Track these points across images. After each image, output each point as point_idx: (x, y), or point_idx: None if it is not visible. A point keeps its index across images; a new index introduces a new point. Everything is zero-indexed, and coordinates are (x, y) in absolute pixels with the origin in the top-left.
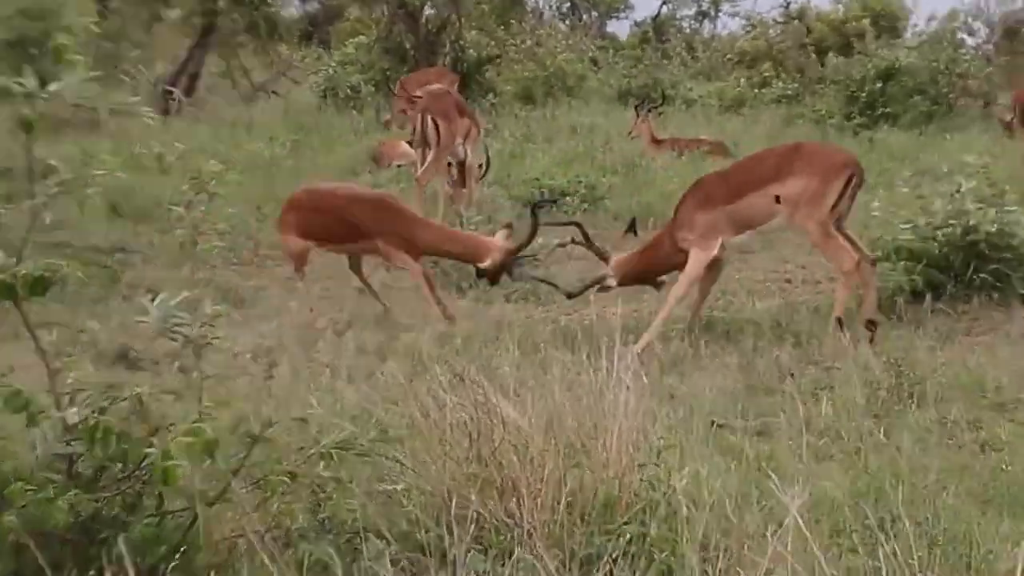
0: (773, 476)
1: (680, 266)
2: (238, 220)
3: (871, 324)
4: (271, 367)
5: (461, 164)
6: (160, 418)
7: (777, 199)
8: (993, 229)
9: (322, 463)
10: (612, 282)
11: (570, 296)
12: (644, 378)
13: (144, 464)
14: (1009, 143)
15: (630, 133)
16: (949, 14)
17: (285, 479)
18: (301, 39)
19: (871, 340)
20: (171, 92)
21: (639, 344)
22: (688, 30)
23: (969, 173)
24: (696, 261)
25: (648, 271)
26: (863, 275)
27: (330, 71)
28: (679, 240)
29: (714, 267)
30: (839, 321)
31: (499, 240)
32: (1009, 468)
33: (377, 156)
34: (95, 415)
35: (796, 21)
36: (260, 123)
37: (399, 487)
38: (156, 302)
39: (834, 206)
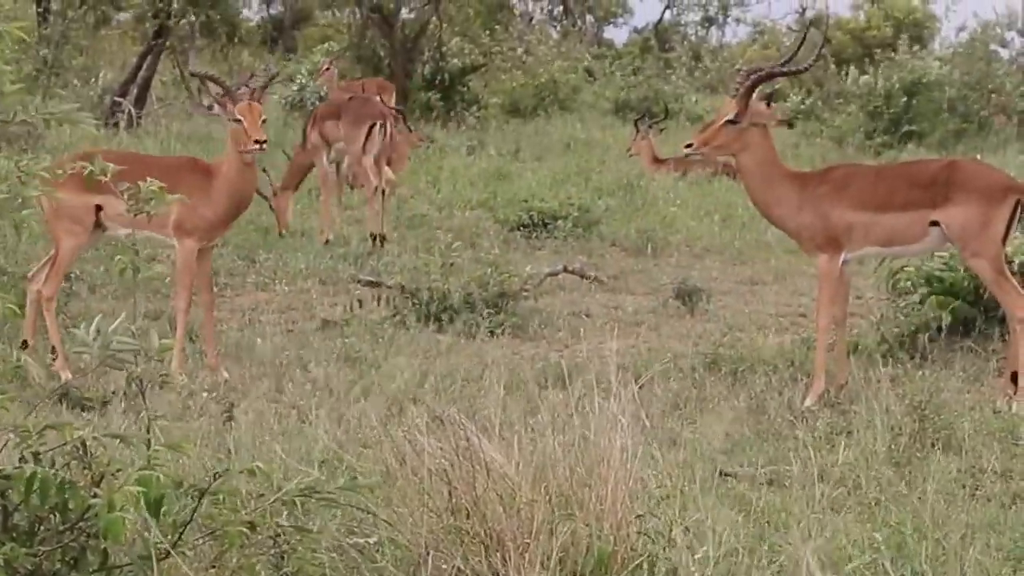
0: (784, 529)
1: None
2: None
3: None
4: (231, 408)
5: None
6: (105, 464)
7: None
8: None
9: (285, 512)
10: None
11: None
12: (643, 420)
13: (87, 515)
14: None
15: (629, 151)
16: (984, 25)
17: (244, 530)
18: (264, 45)
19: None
20: (119, 103)
21: (810, 398)
22: (694, 38)
23: None
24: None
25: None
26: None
27: (301, 81)
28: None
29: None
30: (1014, 378)
31: None
32: None
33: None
34: (29, 462)
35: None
36: (217, 137)
37: (371, 540)
38: (93, 327)
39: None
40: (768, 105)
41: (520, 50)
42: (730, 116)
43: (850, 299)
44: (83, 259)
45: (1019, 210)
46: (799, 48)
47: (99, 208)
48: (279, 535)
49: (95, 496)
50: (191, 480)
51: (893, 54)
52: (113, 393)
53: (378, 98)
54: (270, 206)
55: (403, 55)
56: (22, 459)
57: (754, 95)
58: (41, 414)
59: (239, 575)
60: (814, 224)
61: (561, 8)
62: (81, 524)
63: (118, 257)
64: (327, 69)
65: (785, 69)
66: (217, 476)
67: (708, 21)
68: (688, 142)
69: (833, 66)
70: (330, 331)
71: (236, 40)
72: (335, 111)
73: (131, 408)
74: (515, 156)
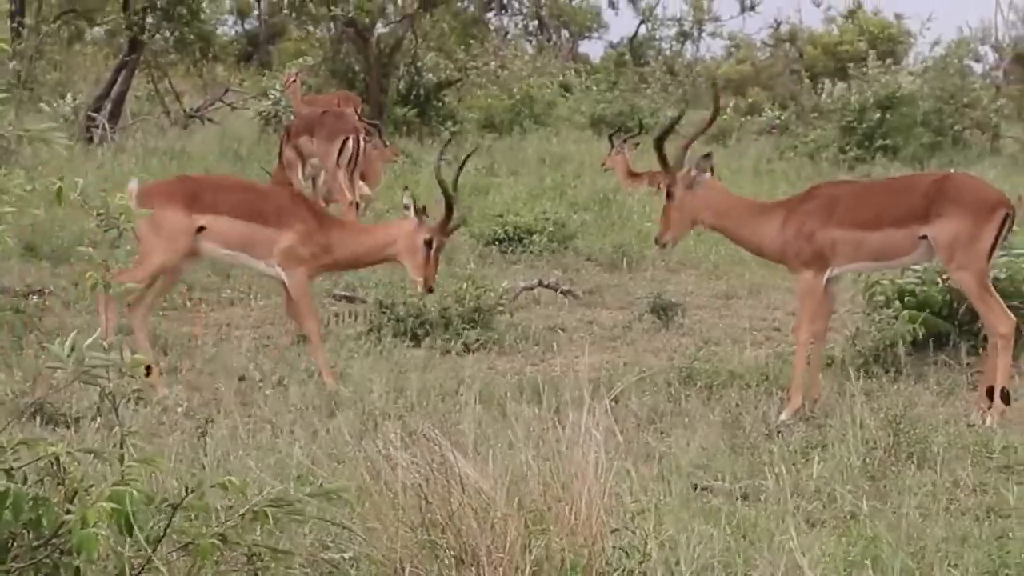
0: (759, 543)
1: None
2: None
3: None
4: (205, 424)
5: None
6: (79, 480)
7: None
8: (1002, 275)
9: (258, 525)
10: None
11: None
12: (618, 435)
13: (61, 531)
14: (1019, 180)
15: (603, 165)
16: (959, 41)
17: (217, 543)
18: (239, 60)
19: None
20: (94, 118)
21: (786, 412)
22: (668, 52)
23: None
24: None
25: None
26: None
27: (275, 95)
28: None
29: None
30: (1005, 394)
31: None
32: (1016, 536)
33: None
34: (2, 478)
35: (787, 44)
36: (193, 153)
37: (346, 555)
38: (67, 343)
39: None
40: (708, 159)
41: (495, 65)
42: (667, 199)
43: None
44: (56, 274)
45: (1007, 225)
46: (715, 115)
47: (201, 229)
48: (254, 553)
49: (68, 512)
50: (164, 495)
51: (866, 69)
52: (87, 411)
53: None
54: None
55: (378, 70)
56: None
57: (691, 163)
58: (14, 430)
59: None
60: (801, 245)
61: (536, 23)
62: (55, 540)
63: (89, 273)
64: (292, 81)
65: (697, 132)
66: (190, 490)
67: (683, 36)
68: (655, 238)
69: (807, 81)
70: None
71: (210, 55)
72: (309, 126)
73: (105, 424)
74: (490, 171)
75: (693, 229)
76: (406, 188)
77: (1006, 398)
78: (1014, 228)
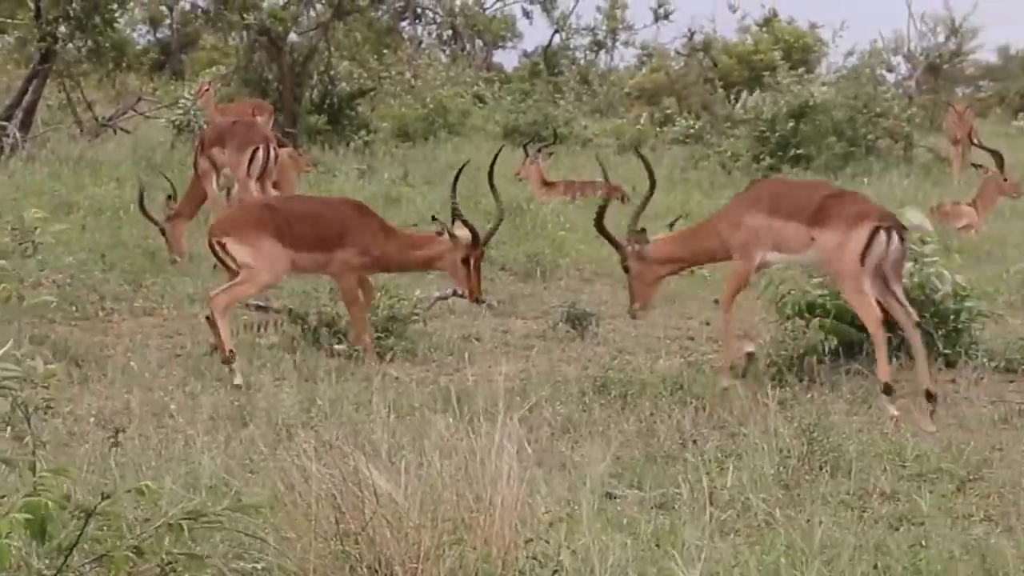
0: (673, 552)
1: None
2: (79, 270)
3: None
4: (117, 433)
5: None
6: None
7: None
8: (911, 282)
9: (172, 537)
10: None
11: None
12: (527, 446)
13: None
14: (932, 189)
15: (518, 175)
16: (872, 50)
17: (130, 555)
18: (152, 69)
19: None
20: (4, 127)
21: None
22: (583, 62)
23: None
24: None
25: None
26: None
27: (186, 103)
28: None
29: None
30: (888, 388)
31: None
32: (929, 544)
33: None
34: None
35: (700, 53)
36: (106, 162)
37: (259, 566)
38: None
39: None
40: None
41: (409, 74)
42: (626, 273)
43: (737, 322)
44: None
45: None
46: (651, 189)
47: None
48: (168, 562)
49: None
50: (77, 504)
51: (779, 79)
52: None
53: (257, 119)
54: (162, 232)
55: (291, 79)
56: None
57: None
58: None
59: None
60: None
61: (450, 32)
62: None
63: (2, 285)
64: (206, 89)
65: (640, 208)
66: (104, 496)
67: (597, 45)
68: (629, 311)
69: (721, 90)
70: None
71: (124, 65)
72: (220, 137)
73: (16, 434)
74: (404, 180)
75: (659, 284)
76: (434, 218)
77: (931, 397)
78: (926, 239)
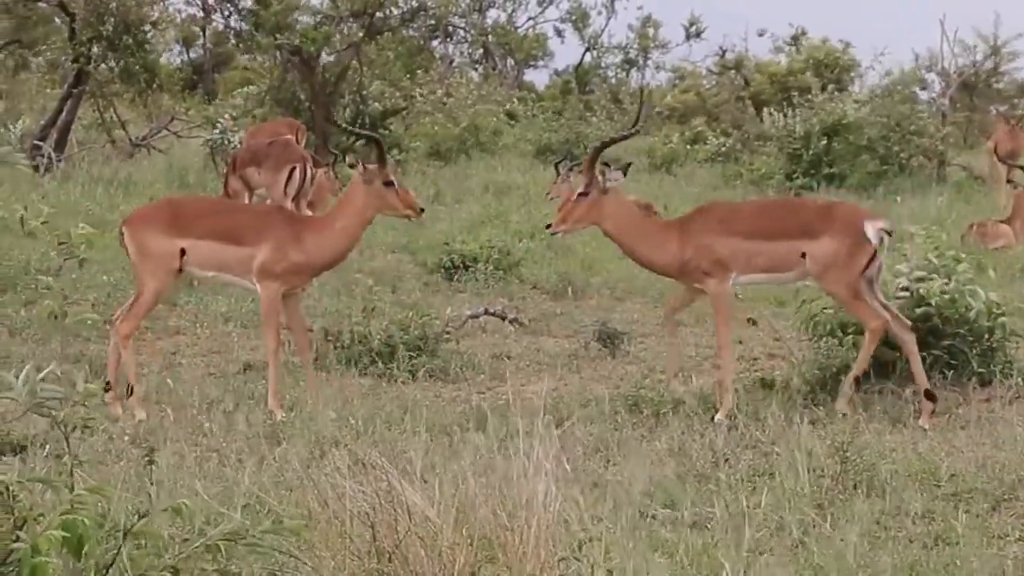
0: (707, 572)
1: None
2: (115, 289)
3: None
4: (152, 451)
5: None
6: (28, 509)
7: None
8: (944, 299)
9: (208, 557)
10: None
11: None
12: (566, 464)
13: (10, 559)
14: (965, 208)
15: (549, 194)
16: (909, 71)
17: (167, 574)
18: (184, 89)
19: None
20: (39, 147)
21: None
22: (614, 80)
23: (917, 242)
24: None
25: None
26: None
27: (221, 125)
28: None
29: None
30: (857, 381)
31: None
32: (963, 564)
33: None
34: None
35: (732, 71)
36: (139, 181)
37: None
38: (22, 375)
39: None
40: (625, 174)
41: (441, 93)
42: (580, 189)
43: (769, 340)
44: (3, 302)
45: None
46: (639, 118)
47: (183, 252)
48: None
49: (18, 540)
50: (114, 522)
51: (811, 97)
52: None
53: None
54: None
55: (324, 98)
56: None
57: (602, 166)
58: None
59: None
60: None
61: (482, 51)
62: (3, 569)
63: (46, 302)
64: None
65: (617, 136)
66: (141, 515)
67: (628, 64)
68: (548, 223)
69: (752, 109)
70: (252, 374)
71: (156, 85)
72: (255, 157)
73: (53, 452)
74: (435, 199)
75: (585, 229)
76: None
77: (931, 397)
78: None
